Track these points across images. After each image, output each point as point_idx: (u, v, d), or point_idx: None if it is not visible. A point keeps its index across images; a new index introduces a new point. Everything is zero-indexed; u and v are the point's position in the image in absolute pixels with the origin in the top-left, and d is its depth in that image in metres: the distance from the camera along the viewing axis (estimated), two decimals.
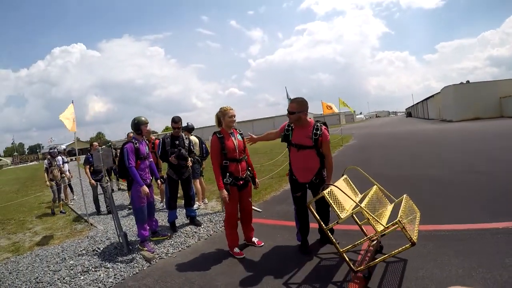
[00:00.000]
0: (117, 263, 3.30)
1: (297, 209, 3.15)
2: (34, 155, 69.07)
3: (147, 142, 4.09)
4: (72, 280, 3.05)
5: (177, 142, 4.38)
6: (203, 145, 5.49)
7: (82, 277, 3.08)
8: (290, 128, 3.06)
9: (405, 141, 14.10)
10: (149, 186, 3.75)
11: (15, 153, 67.48)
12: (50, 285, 3.01)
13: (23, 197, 9.97)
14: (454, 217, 3.53)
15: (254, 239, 3.43)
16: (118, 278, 2.97)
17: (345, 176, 3.11)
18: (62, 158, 7.46)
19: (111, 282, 2.92)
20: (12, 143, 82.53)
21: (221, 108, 3.23)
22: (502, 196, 4.07)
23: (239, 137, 3.26)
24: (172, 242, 3.78)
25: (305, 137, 2.95)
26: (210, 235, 3.98)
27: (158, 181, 4.04)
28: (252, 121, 59.61)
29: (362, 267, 2.43)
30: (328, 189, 2.60)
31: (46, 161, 7.17)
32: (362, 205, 2.41)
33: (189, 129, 5.31)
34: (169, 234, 4.02)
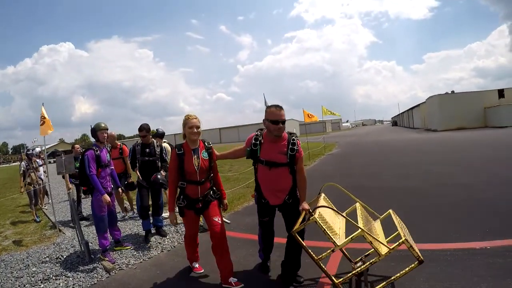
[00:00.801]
0: (77, 272, 3.45)
1: (263, 233, 2.89)
2: (18, 155, 67.38)
3: (108, 149, 4.17)
4: (33, 287, 3.20)
5: (147, 150, 4.37)
6: None
7: (42, 285, 3.23)
8: (258, 142, 2.66)
9: (389, 150, 14.59)
10: (110, 194, 3.80)
11: None
12: None
13: None
14: (430, 235, 3.50)
15: (232, 280, 2.72)
16: (74, 286, 3.14)
17: (323, 195, 2.85)
18: (37, 162, 7.47)
19: None
20: None
21: (185, 115, 2.81)
22: (479, 211, 4.24)
23: (204, 154, 2.78)
24: (135, 253, 3.90)
25: (277, 152, 2.60)
26: (174, 246, 4.08)
27: (119, 189, 4.17)
28: (238, 127, 59.87)
29: None
30: (317, 214, 2.34)
31: (23, 163, 6.90)
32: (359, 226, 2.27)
33: (160, 135, 5.42)
34: (131, 245, 4.11)
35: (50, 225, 5.85)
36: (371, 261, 2.25)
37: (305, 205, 2.52)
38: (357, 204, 2.87)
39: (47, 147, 10.55)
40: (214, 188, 2.89)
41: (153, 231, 4.57)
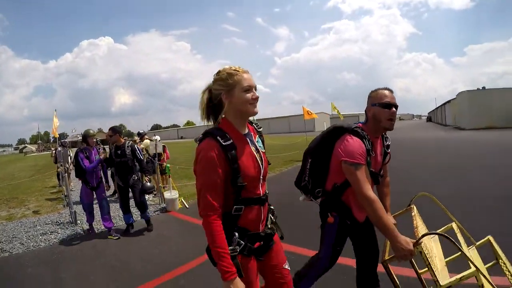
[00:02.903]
0: (65, 231, 4.99)
1: (328, 267, 2.00)
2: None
3: (99, 150, 4.79)
4: (34, 237, 4.76)
5: (119, 152, 4.62)
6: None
7: (40, 237, 4.76)
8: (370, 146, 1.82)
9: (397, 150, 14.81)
10: (95, 188, 4.62)
11: (39, 141, 73.39)
12: (20, 239, 4.72)
13: (33, 182, 12.18)
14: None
15: None
16: (58, 239, 4.64)
17: (415, 208, 2.15)
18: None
19: (54, 241, 4.57)
20: (37, 132, 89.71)
21: (220, 71, 1.42)
22: None
23: (260, 144, 1.53)
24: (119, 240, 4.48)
25: (379, 154, 1.96)
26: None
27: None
28: (268, 119, 59.90)
29: None
30: (423, 239, 1.61)
31: (59, 149, 7.91)
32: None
33: (141, 135, 6.88)
34: (119, 236, 4.51)
35: (64, 204, 7.56)
36: None
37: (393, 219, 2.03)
38: (454, 225, 2.15)
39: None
40: (272, 206, 1.65)
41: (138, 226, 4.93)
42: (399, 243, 1.57)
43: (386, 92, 1.86)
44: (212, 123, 1.46)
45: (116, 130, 4.71)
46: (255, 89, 1.40)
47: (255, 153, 1.42)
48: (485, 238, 2.18)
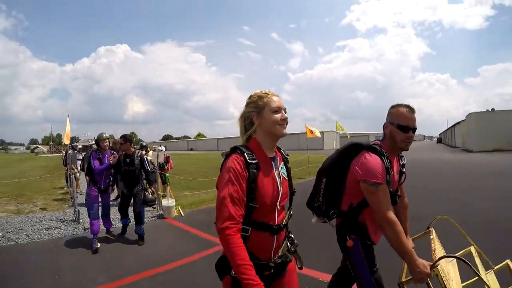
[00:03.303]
0: (68, 227, 5.42)
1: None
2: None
3: (113, 153, 4.90)
4: (39, 231, 5.21)
5: (128, 160, 4.73)
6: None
7: (45, 231, 5.21)
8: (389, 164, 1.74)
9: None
10: (104, 191, 4.73)
11: (51, 143, 75.58)
12: (26, 231, 5.17)
13: (42, 181, 12.80)
14: None
15: None
16: (61, 234, 5.07)
17: (434, 231, 2.10)
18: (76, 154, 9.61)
19: (56, 235, 5.00)
20: (50, 133, 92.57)
21: (251, 95, 1.50)
22: None
23: (283, 171, 1.51)
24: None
25: (396, 173, 1.89)
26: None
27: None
28: (297, 135, 59.29)
29: None
30: (441, 262, 1.62)
31: (69, 152, 8.47)
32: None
33: (144, 148, 7.31)
34: (115, 237, 4.82)
35: (69, 204, 8.05)
36: None
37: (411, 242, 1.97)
38: (472, 249, 2.12)
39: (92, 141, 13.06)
40: (292, 235, 1.56)
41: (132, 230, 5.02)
42: (417, 267, 1.55)
43: (407, 112, 1.76)
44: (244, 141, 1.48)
45: (127, 139, 4.83)
46: (285, 112, 1.44)
47: (276, 177, 1.41)
48: (504, 262, 2.14)
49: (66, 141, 6.51)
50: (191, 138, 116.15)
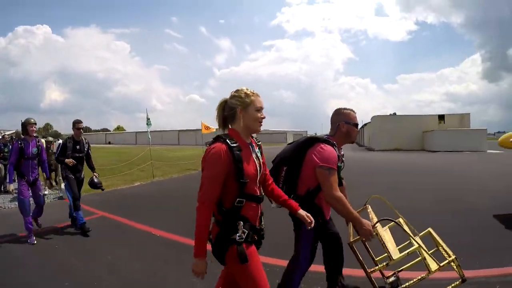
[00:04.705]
0: None
1: (307, 267, 2.24)
2: None
3: (38, 142, 4.40)
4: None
5: (78, 147, 4.57)
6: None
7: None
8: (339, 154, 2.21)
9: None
10: (33, 183, 4.27)
11: None
12: None
13: None
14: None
15: None
16: None
17: (369, 207, 2.73)
18: None
19: None
20: None
21: (239, 90, 1.69)
22: None
23: (258, 153, 1.76)
24: None
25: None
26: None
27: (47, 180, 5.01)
28: (195, 131, 59.41)
29: None
30: (378, 229, 2.24)
31: None
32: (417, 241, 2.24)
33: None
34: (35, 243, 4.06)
35: None
36: (421, 276, 2.20)
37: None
38: (401, 220, 2.68)
39: (12, 131, 11.30)
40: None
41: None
42: (364, 225, 1.98)
43: (355, 114, 2.28)
44: (222, 130, 1.73)
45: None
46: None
47: (255, 159, 1.67)
48: (426, 230, 2.74)
49: None
50: (110, 131, 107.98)
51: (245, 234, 1.57)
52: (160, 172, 12.06)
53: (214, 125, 15.43)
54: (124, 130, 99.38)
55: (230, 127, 1.70)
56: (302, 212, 1.86)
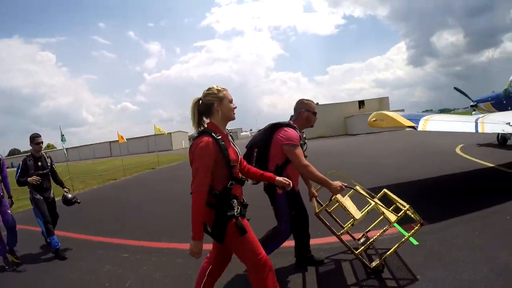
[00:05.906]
0: None
1: (289, 234, 2.64)
2: None
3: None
4: None
5: (39, 164, 4.16)
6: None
7: None
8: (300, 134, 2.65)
9: None
10: None
11: None
12: None
13: None
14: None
15: None
16: None
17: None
18: None
19: None
20: None
21: (210, 88, 1.96)
22: None
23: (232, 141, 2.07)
24: None
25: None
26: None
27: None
28: (147, 137, 58.06)
29: (377, 262, 2.52)
30: (340, 198, 2.70)
31: None
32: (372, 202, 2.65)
33: None
34: (15, 267, 3.77)
35: None
36: (384, 228, 2.52)
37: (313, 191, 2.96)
38: (357, 187, 2.99)
39: None
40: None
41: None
42: (333, 185, 2.29)
43: (314, 104, 2.75)
44: (197, 127, 1.95)
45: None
46: None
47: (234, 146, 1.96)
48: (382, 192, 3.11)
49: None
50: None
51: (239, 210, 1.85)
52: (82, 185, 12.75)
53: (166, 129, 15.70)
54: (55, 148, 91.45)
55: (208, 121, 1.96)
56: (279, 178, 2.14)
